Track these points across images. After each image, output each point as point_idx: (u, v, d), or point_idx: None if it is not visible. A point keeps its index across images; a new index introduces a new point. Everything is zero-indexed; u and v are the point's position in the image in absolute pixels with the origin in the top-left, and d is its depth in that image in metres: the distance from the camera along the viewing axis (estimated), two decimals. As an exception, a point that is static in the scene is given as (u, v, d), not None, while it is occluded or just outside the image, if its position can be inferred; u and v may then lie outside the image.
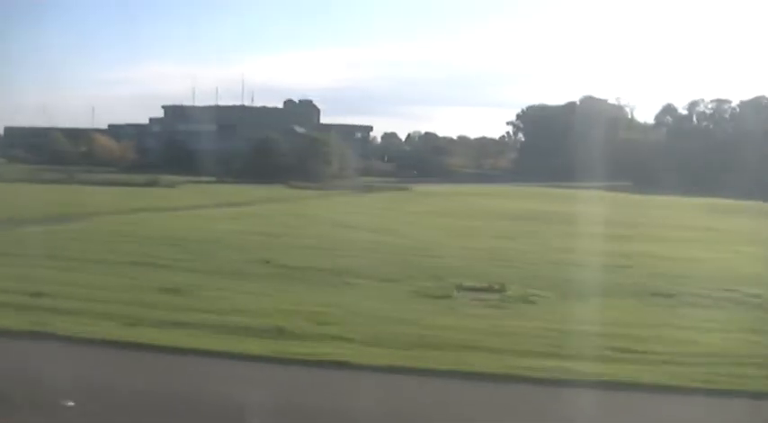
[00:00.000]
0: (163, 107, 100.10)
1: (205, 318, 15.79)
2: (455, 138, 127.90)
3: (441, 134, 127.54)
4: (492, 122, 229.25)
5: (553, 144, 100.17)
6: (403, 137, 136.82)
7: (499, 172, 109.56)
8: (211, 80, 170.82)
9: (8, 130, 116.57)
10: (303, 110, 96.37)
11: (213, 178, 75.75)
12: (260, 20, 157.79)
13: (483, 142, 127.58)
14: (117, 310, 16.40)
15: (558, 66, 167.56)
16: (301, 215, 38.29)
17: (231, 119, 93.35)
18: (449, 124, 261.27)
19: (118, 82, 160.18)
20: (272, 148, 79.18)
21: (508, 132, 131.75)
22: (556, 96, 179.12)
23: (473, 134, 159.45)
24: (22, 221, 33.46)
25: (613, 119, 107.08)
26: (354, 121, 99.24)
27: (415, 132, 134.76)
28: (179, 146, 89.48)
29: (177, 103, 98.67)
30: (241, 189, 62.87)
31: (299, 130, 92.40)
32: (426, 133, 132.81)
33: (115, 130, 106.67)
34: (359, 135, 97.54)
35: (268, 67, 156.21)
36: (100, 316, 15.95)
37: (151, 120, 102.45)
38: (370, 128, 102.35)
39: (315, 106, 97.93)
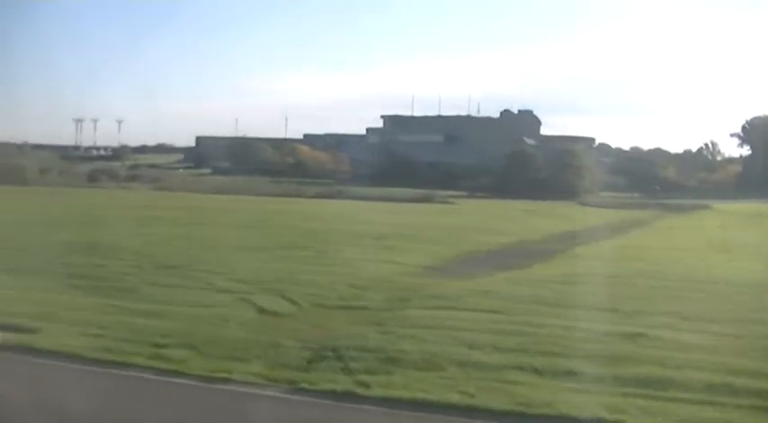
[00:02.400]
0: (382, 117, 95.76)
1: None
2: (627, 149, 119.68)
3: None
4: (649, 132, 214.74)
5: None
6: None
7: (717, 187, 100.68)
8: (357, 90, 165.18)
9: (201, 139, 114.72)
10: (525, 120, 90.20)
11: (463, 193, 70.48)
12: (394, 27, 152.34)
13: (673, 156, 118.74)
14: None
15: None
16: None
17: (456, 129, 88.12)
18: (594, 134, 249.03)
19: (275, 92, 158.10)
20: (527, 161, 73.26)
21: (706, 144, 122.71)
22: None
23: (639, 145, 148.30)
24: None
25: None
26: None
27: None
28: (402, 157, 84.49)
29: (397, 113, 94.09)
30: (538, 206, 57.08)
31: (530, 141, 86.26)
32: (600, 144, 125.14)
33: (310, 140, 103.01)
34: (581, 147, 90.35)
35: (405, 74, 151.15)
36: None
37: (368, 129, 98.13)
38: (593, 140, 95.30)
39: (535, 117, 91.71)
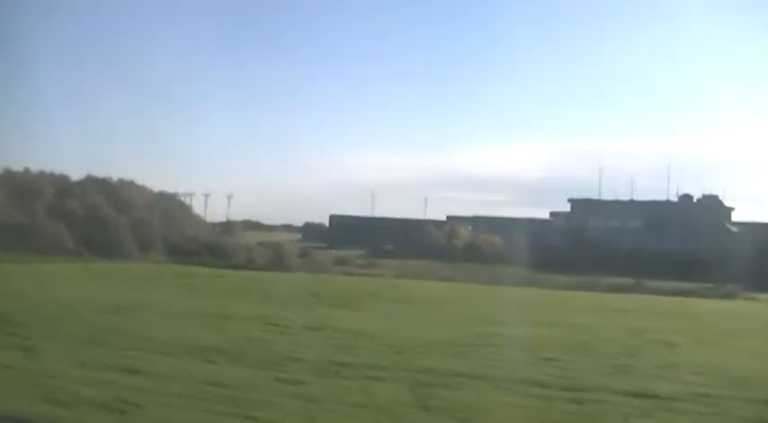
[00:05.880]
0: (569, 200, 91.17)
1: None
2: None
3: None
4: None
5: None
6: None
7: None
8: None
9: (335, 218, 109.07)
10: (714, 205, 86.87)
11: (708, 285, 65.65)
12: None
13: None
14: None
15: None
16: None
17: (654, 214, 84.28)
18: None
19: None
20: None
21: None
22: None
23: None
24: None
25: None
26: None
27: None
28: (598, 243, 79.95)
29: (585, 196, 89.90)
30: None
31: (734, 229, 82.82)
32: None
33: (455, 222, 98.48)
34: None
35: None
36: None
37: (552, 214, 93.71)
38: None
39: (722, 202, 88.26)
